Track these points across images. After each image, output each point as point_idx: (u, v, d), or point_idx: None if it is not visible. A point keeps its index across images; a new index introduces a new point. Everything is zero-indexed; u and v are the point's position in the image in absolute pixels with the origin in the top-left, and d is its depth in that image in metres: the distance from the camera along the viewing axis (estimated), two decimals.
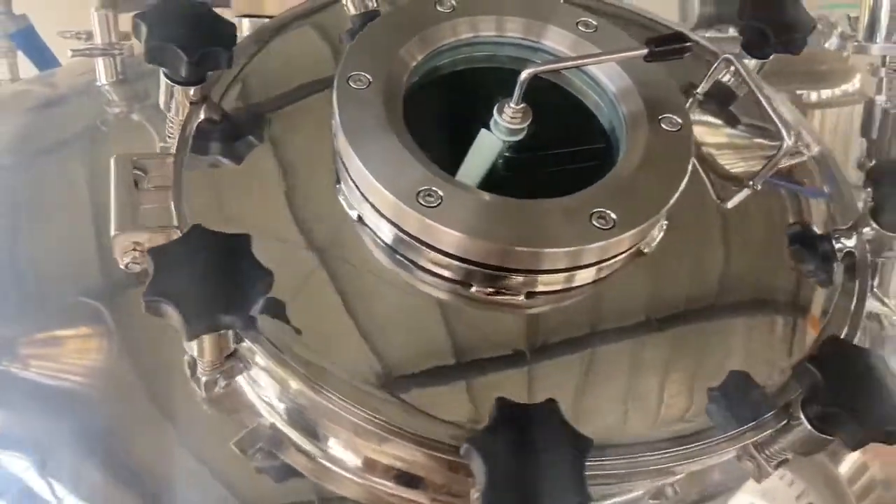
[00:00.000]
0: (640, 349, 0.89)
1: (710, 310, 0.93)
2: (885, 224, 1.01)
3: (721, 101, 1.17)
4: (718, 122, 1.15)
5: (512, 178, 0.93)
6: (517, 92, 0.90)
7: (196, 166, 0.93)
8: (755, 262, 0.99)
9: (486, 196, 0.85)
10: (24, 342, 1.04)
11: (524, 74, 0.89)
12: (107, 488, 0.96)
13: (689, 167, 0.90)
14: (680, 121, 0.93)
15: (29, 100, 1.46)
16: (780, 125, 0.97)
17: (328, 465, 0.91)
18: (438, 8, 0.99)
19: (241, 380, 0.91)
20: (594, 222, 0.83)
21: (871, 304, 1.27)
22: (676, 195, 0.87)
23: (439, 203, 0.82)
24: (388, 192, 0.83)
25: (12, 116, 1.35)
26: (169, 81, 0.95)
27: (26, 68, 2.31)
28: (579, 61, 0.94)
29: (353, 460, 0.89)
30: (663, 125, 0.92)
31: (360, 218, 0.89)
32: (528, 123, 0.92)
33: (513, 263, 0.83)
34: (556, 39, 1.00)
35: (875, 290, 1.28)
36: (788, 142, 0.97)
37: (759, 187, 1.01)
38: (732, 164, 1.12)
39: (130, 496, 0.96)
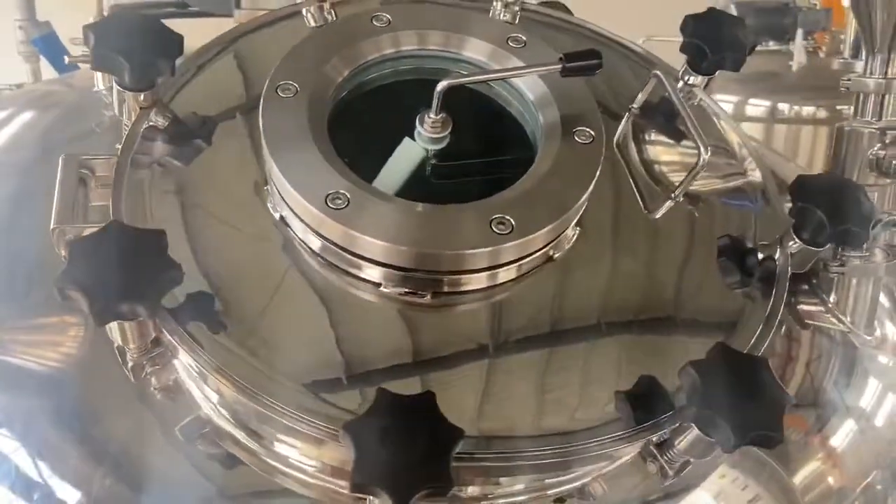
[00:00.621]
0: (543, 351, 0.93)
1: (620, 315, 0.96)
2: (805, 239, 1.04)
3: (667, 116, 1.20)
4: (665, 136, 1.18)
5: (435, 184, 0.98)
6: (435, 102, 0.95)
7: (142, 166, 0.99)
8: (674, 271, 1.02)
9: (393, 200, 0.90)
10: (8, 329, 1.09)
11: (440, 86, 0.94)
12: (83, 466, 1.00)
13: (595, 178, 0.94)
14: (593, 133, 0.97)
15: (49, 100, 1.54)
16: (698, 140, 1.00)
17: (266, 457, 0.94)
18: (374, 23, 1.04)
19: (181, 369, 0.95)
20: (493, 227, 0.88)
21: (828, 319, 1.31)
22: (578, 204, 0.91)
23: (346, 206, 0.87)
24: (299, 194, 0.88)
25: (33, 115, 1.43)
26: (119, 87, 1.01)
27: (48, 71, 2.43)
28: (493, 74, 0.98)
29: (285, 451, 0.93)
30: (576, 137, 0.97)
31: (282, 219, 0.94)
32: (448, 132, 0.97)
33: (416, 264, 0.88)
34: (484, 53, 1.04)
35: (831, 305, 1.30)
36: (705, 156, 1.01)
37: (681, 198, 1.03)
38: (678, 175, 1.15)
39: (106, 473, 0.99)
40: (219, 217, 0.96)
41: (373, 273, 0.90)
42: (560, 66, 0.95)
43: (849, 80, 1.28)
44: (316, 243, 0.90)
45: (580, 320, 0.95)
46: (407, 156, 0.96)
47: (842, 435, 1.25)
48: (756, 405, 0.83)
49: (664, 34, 1.57)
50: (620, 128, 1.12)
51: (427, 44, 1.04)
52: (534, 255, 0.93)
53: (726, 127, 1.20)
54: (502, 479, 0.88)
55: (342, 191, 0.87)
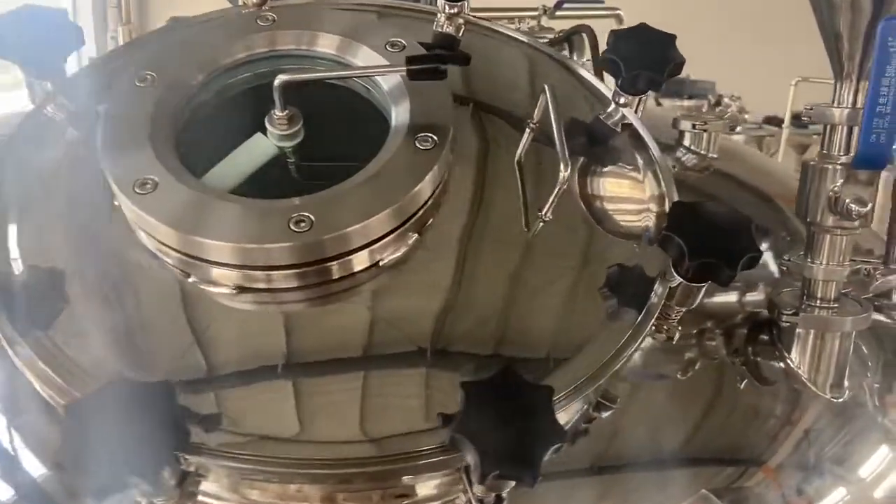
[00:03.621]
0: (349, 361, 0.89)
1: (446, 331, 0.91)
2: (677, 273, 0.95)
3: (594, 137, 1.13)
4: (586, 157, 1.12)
5: (285, 181, 0.97)
6: (277, 99, 0.94)
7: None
8: (531, 291, 0.95)
9: (202, 191, 0.89)
10: None
11: (277, 82, 0.93)
12: None
13: (421, 183, 0.90)
14: (436, 139, 0.93)
15: None
16: (561, 158, 0.94)
17: None
18: (259, 22, 1.04)
19: None
20: (291, 225, 0.86)
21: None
22: (393, 209, 0.88)
23: (150, 192, 0.88)
24: (111, 177, 0.89)
25: None
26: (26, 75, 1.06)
27: None
28: (332, 73, 0.97)
29: None
30: (417, 142, 0.93)
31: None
32: (297, 129, 0.96)
33: (211, 256, 0.87)
34: (358, 55, 1.02)
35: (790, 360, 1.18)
36: (564, 173, 0.94)
37: (549, 217, 0.97)
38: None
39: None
40: (70, 204, 0.98)
41: (182, 263, 0.90)
42: (404, 69, 0.91)
43: (811, 109, 1.16)
44: (136, 228, 0.91)
45: (398, 331, 0.90)
46: (253, 151, 0.96)
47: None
48: (517, 437, 0.75)
49: None
50: (522, 143, 1.06)
51: (300, 44, 1.03)
52: (350, 259, 0.88)
53: (653, 153, 1.11)
54: None
55: (152, 177, 0.88)
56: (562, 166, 0.93)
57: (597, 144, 1.12)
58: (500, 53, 1.21)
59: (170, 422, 0.74)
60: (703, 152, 1.45)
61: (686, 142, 1.47)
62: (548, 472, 0.93)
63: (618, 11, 3.13)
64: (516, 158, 1.05)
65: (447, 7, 1.18)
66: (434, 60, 0.91)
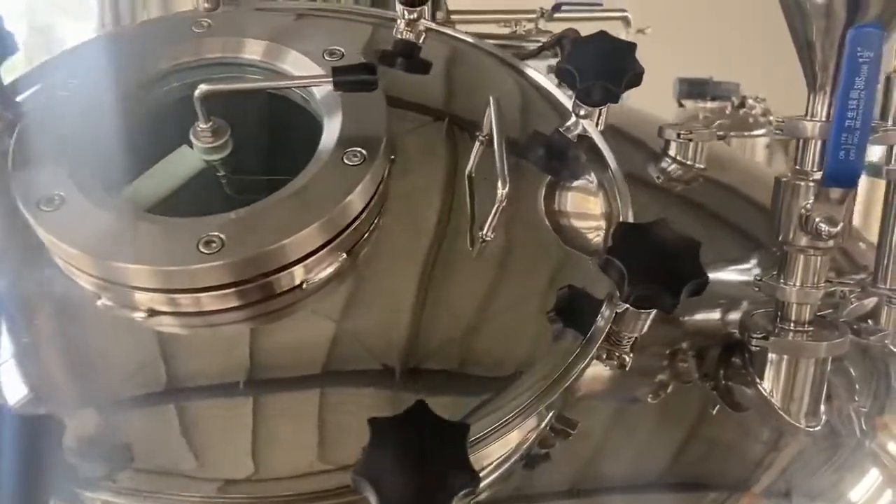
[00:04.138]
0: (260, 389, 0.84)
1: (369, 356, 0.86)
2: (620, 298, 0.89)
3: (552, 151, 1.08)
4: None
5: (211, 195, 0.92)
6: (199, 110, 0.89)
7: None
8: (465, 314, 0.90)
9: (111, 209, 0.85)
10: None
11: (198, 92, 0.88)
12: None
13: (343, 203, 0.85)
14: (365, 154, 0.87)
15: None
16: (500, 175, 0.89)
17: None
18: (193, 28, 1.00)
19: None
20: (200, 246, 0.81)
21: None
22: (307, 230, 0.82)
23: (55, 209, 0.83)
24: (16, 192, 0.85)
25: None
26: None
27: None
28: (255, 84, 0.92)
29: None
30: (345, 158, 0.88)
31: None
32: (223, 141, 0.91)
33: (113, 278, 0.83)
34: (294, 64, 0.97)
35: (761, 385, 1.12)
36: (502, 191, 0.89)
37: (491, 236, 0.91)
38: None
39: None
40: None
41: (90, 283, 0.85)
42: (331, 80, 0.86)
43: (782, 121, 1.09)
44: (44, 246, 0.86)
45: (311, 356, 0.84)
46: (177, 164, 0.91)
47: None
48: (422, 480, 0.70)
49: None
50: (472, 157, 1.00)
51: (234, 52, 0.98)
52: (267, 281, 0.83)
53: (611, 168, 1.05)
54: None
55: (60, 192, 0.83)
56: (499, 184, 0.88)
57: (552, 158, 1.06)
58: (461, 63, 1.16)
59: (53, 457, 0.69)
60: (689, 162, 1.38)
61: (672, 151, 1.40)
62: (518, 496, 0.89)
63: (625, 13, 3.04)
64: (467, 172, 0.99)
65: (406, 12, 1.14)
66: (362, 71, 0.85)
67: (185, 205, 0.90)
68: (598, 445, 1.02)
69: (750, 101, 5.25)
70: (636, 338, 0.95)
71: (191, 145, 0.94)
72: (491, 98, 0.96)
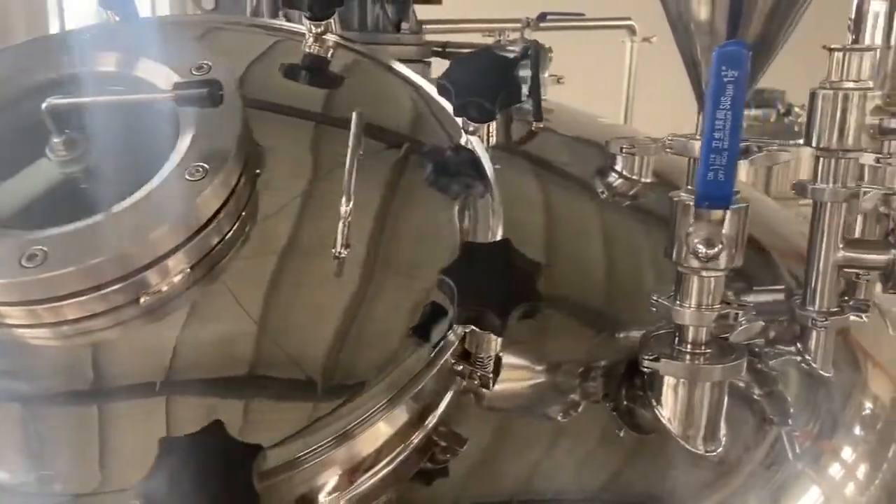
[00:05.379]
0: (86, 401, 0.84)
1: (204, 372, 0.86)
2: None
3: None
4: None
5: (63, 206, 0.93)
6: (50, 124, 0.90)
7: None
8: (309, 325, 0.90)
9: None
10: None
11: (45, 105, 0.89)
12: None
13: (176, 219, 0.85)
14: (208, 169, 0.87)
15: None
16: (345, 191, 0.89)
17: None
18: (70, 42, 1.01)
19: None
20: (23, 260, 0.82)
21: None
22: (136, 244, 0.83)
23: None
24: None
25: None
26: None
27: None
28: (102, 99, 0.92)
29: None
30: (187, 173, 0.88)
31: None
32: (78, 154, 0.92)
33: None
34: (162, 78, 0.98)
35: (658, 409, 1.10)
36: (345, 207, 0.89)
37: (343, 252, 0.91)
38: None
39: None
40: None
41: None
42: (171, 93, 0.86)
43: (672, 139, 1.06)
44: None
45: (145, 371, 0.84)
46: (34, 176, 0.92)
47: None
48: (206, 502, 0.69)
49: None
50: (346, 170, 1.00)
51: (108, 66, 0.99)
52: (103, 294, 0.84)
53: (491, 185, 1.04)
54: None
55: None
56: (343, 200, 0.87)
57: (439, 174, 1.05)
58: (361, 79, 1.15)
59: None
60: (634, 177, 1.35)
61: (618, 166, 1.38)
62: None
63: (629, 22, 2.99)
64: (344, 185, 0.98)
65: (313, 26, 1.14)
66: (204, 86, 0.85)
67: (40, 217, 0.90)
68: (502, 460, 1.00)
69: (796, 110, 5.11)
70: (494, 357, 0.93)
71: None
72: (354, 114, 0.94)
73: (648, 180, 1.34)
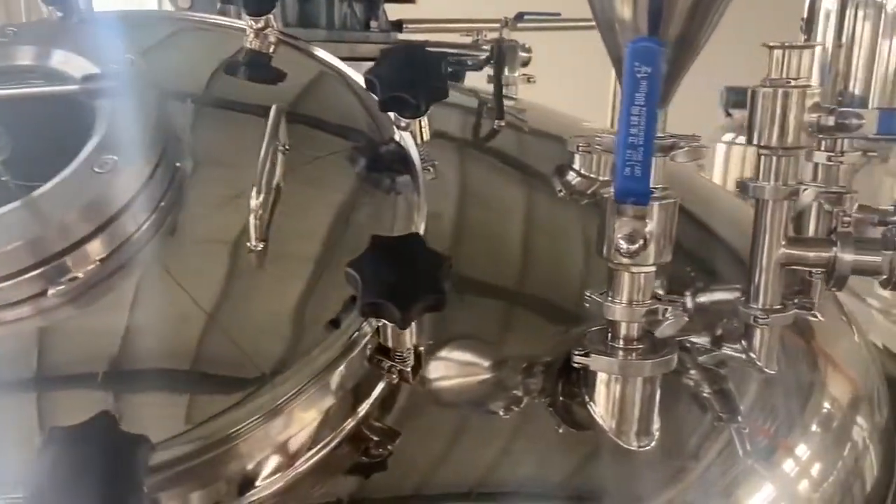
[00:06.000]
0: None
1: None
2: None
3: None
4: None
5: None
6: None
7: None
8: (225, 316, 0.91)
9: None
10: None
11: None
12: None
13: (76, 210, 0.85)
14: (117, 162, 0.88)
15: None
16: (255, 184, 0.90)
17: None
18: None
19: None
20: None
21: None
22: (36, 236, 0.83)
23: None
24: None
25: None
26: None
27: None
28: (10, 92, 0.92)
29: None
30: (96, 167, 0.88)
31: None
32: None
33: None
34: (82, 72, 0.98)
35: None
36: (254, 201, 0.89)
37: (259, 246, 0.91)
38: None
39: None
40: None
41: None
42: (77, 87, 0.87)
43: (601, 136, 1.05)
44: None
45: (51, 364, 0.85)
46: None
47: None
48: (91, 495, 0.69)
49: None
50: (269, 164, 1.00)
51: (32, 60, 0.99)
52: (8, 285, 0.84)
53: (418, 181, 1.04)
54: None
55: None
56: (253, 193, 0.87)
57: (369, 169, 1.05)
58: (297, 75, 1.15)
59: None
60: (592, 175, 1.35)
61: (576, 164, 1.37)
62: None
63: None
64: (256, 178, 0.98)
65: (252, 22, 1.15)
66: (112, 80, 0.86)
67: None
68: (443, 454, 1.00)
69: None
70: (412, 351, 0.93)
71: None
72: (273, 107, 0.95)
73: (607, 178, 1.33)
